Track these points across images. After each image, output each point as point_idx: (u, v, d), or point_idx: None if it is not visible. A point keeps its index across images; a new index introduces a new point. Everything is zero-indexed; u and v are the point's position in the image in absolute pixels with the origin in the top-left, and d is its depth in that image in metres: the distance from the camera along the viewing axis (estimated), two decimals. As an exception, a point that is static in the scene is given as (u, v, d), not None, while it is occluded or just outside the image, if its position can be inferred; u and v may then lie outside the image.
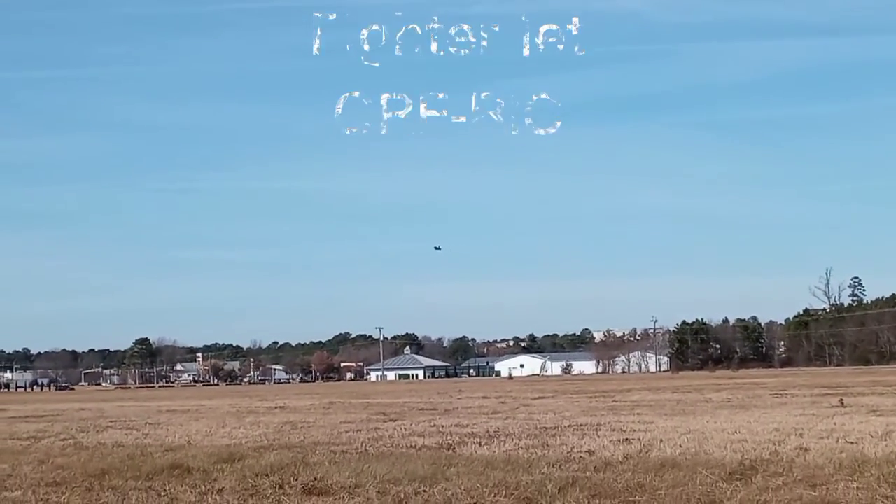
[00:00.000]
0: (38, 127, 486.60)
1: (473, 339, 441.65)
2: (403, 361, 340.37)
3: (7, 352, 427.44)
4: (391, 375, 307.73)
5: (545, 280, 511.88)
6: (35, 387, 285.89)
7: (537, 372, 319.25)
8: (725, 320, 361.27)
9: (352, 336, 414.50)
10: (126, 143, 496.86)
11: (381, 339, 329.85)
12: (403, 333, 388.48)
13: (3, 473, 31.61)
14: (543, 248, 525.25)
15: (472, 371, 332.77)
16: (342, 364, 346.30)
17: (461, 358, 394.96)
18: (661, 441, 35.08)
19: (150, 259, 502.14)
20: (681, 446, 32.89)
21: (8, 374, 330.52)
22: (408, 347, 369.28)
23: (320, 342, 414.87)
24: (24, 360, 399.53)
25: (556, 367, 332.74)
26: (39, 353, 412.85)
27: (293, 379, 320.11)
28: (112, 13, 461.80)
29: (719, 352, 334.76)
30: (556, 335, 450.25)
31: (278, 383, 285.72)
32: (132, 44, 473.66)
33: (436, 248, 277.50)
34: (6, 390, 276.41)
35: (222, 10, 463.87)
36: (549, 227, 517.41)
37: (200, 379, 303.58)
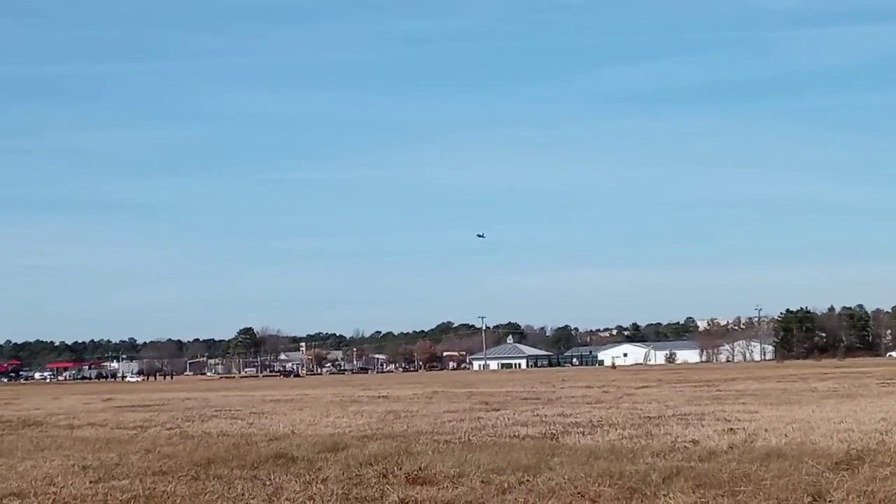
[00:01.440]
0: (139, 118, 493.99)
1: (576, 328, 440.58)
2: (506, 350, 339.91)
3: (113, 342, 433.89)
4: (493, 364, 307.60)
5: (649, 268, 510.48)
6: (141, 376, 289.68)
7: (640, 361, 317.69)
8: (831, 308, 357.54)
9: (454, 325, 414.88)
10: (226, 133, 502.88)
11: (484, 328, 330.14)
12: (506, 322, 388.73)
13: (110, 462, 31.97)
14: (647, 236, 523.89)
15: (574, 360, 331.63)
16: (445, 353, 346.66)
17: (564, 347, 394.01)
18: (766, 430, 34.74)
19: (254, 249, 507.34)
20: (786, 436, 32.54)
21: (114, 364, 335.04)
22: (510, 336, 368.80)
23: (423, 331, 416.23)
24: (130, 349, 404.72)
25: (659, 356, 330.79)
26: (145, 342, 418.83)
27: (397, 368, 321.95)
28: (208, 4, 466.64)
29: (825, 340, 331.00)
30: (659, 324, 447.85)
31: (381, 372, 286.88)
32: (229, 34, 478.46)
33: (479, 236, 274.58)
34: (113, 380, 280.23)
35: (317, 1, 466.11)
36: (652, 216, 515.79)
37: (298, 369, 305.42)
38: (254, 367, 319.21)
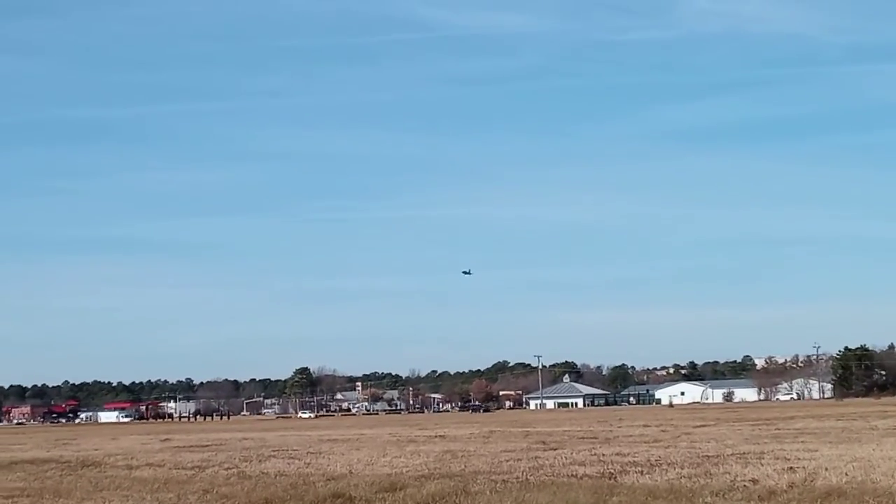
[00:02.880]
0: (195, 159, 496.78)
1: (633, 367, 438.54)
2: (562, 389, 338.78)
3: (171, 382, 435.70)
4: (550, 404, 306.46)
5: (706, 307, 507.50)
6: (198, 416, 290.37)
7: (698, 399, 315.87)
8: (891, 346, 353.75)
9: (510, 364, 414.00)
10: (283, 173, 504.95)
11: (540, 367, 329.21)
12: (562, 361, 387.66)
13: (169, 503, 32.12)
14: (704, 274, 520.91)
15: (631, 399, 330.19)
16: (501, 392, 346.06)
17: (620, 386, 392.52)
18: (827, 469, 34.47)
19: (311, 288, 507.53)
20: (846, 474, 32.28)
21: (171, 404, 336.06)
22: (567, 375, 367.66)
23: (479, 370, 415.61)
24: (186, 389, 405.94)
25: (717, 395, 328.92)
26: (202, 382, 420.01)
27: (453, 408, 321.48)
28: (265, 45, 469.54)
29: (884, 378, 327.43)
30: (716, 362, 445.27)
31: (437, 412, 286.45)
32: (288, 75, 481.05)
33: (465, 273, 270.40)
34: (170, 420, 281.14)
35: (376, 41, 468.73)
36: (708, 253, 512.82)
37: (360, 408, 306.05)
38: (310, 406, 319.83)
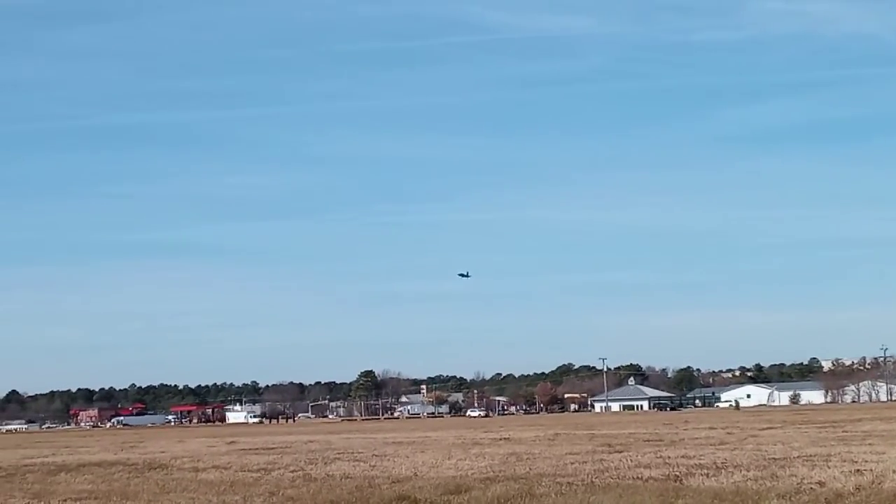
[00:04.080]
0: (260, 162, 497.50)
1: (698, 370, 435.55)
2: (627, 392, 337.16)
3: (236, 385, 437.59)
4: (615, 406, 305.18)
5: (772, 309, 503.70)
6: (264, 419, 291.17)
7: (764, 402, 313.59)
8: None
9: (575, 367, 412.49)
10: (346, 177, 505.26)
11: (605, 369, 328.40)
12: (627, 364, 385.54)
13: (235, 505, 32.30)
14: (769, 276, 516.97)
15: (697, 402, 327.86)
16: (566, 395, 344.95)
17: (686, 388, 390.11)
18: (894, 472, 34.19)
19: (376, 291, 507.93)
20: (916, 477, 32.02)
21: (237, 408, 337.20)
22: (632, 378, 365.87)
23: (543, 373, 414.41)
24: (252, 393, 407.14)
25: (783, 397, 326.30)
26: (267, 386, 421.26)
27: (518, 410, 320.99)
28: (326, 50, 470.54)
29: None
30: (782, 364, 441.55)
31: (502, 415, 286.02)
32: (349, 79, 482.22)
33: (462, 276, 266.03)
34: (236, 423, 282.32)
35: (438, 44, 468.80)
36: (773, 256, 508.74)
37: (423, 411, 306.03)
38: (375, 409, 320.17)
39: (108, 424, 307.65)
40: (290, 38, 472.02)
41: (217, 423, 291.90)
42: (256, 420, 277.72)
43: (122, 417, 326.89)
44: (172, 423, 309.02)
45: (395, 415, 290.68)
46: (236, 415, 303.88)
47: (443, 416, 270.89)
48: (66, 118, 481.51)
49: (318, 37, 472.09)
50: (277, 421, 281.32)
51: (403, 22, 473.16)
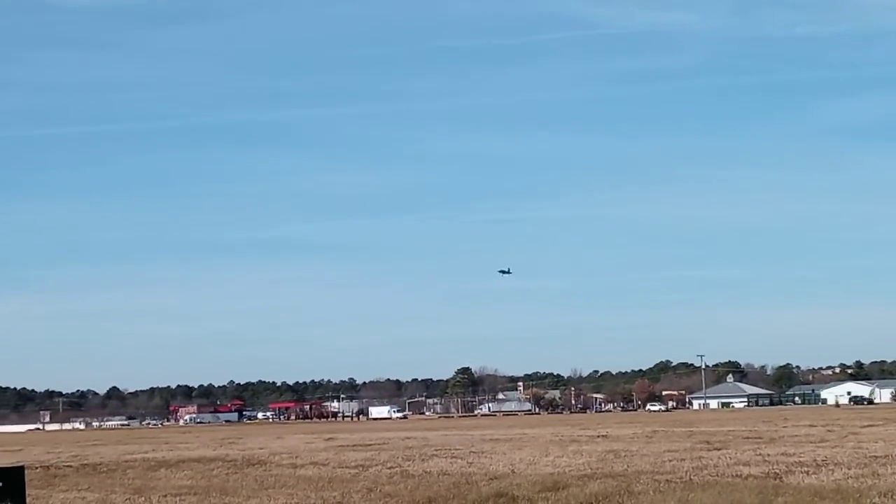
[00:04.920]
0: (360, 160, 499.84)
1: (797, 367, 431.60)
2: (726, 389, 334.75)
3: (334, 382, 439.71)
4: (713, 403, 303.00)
5: (873, 305, 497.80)
6: (361, 416, 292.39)
7: (865, 399, 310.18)
8: None
9: (673, 364, 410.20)
10: (445, 174, 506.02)
11: (703, 366, 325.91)
12: (725, 361, 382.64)
13: (333, 501, 32.39)
14: (870, 272, 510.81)
15: (796, 399, 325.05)
16: (663, 392, 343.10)
17: (785, 386, 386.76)
18: None
19: (472, 289, 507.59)
20: None
21: (335, 404, 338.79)
22: (730, 375, 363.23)
23: (641, 370, 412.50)
24: (350, 389, 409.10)
25: (884, 395, 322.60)
26: (364, 382, 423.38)
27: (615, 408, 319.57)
28: (424, 47, 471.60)
29: None
30: (884, 361, 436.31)
31: (599, 412, 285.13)
32: (448, 76, 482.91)
33: (502, 272, 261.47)
34: (333, 419, 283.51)
35: (538, 40, 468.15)
36: (874, 251, 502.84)
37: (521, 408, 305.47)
38: (471, 406, 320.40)
39: (183, 421, 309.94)
40: (391, 35, 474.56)
41: (317, 419, 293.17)
42: (400, 415, 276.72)
43: (194, 415, 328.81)
44: (271, 420, 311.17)
45: (490, 411, 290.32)
46: (378, 409, 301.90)
47: (539, 414, 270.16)
48: (168, 117, 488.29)
49: (419, 34, 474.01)
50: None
51: (503, 19, 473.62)
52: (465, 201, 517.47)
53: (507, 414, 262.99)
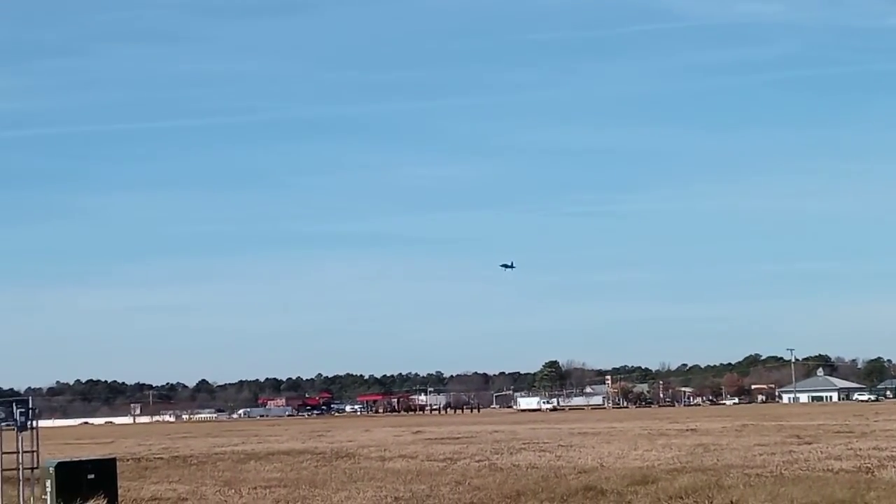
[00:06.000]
0: (450, 153, 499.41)
1: (889, 360, 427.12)
2: (816, 383, 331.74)
3: (421, 375, 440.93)
4: (803, 397, 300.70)
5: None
6: (448, 409, 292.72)
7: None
8: None
9: (762, 357, 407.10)
10: (534, 167, 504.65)
11: (793, 360, 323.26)
12: (815, 354, 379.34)
13: (422, 494, 32.47)
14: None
15: (888, 393, 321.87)
16: (753, 386, 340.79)
17: (876, 379, 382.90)
18: None
19: (559, 282, 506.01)
20: None
21: (422, 397, 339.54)
22: (820, 369, 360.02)
23: (730, 364, 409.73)
24: (437, 382, 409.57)
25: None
26: (452, 376, 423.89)
27: (704, 401, 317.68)
28: (517, 40, 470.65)
29: None
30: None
31: (687, 406, 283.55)
32: (540, 69, 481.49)
33: (504, 266, 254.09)
34: (421, 413, 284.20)
35: (628, 32, 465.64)
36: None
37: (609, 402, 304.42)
38: (558, 399, 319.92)
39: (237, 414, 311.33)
40: (481, 28, 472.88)
41: (404, 412, 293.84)
42: (549, 407, 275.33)
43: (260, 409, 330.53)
44: (358, 413, 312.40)
45: (577, 404, 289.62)
46: (527, 400, 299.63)
47: (628, 408, 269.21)
48: (258, 111, 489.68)
49: (509, 27, 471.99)
50: (462, 411, 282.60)
51: (592, 11, 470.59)
52: (555, 194, 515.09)
53: (595, 408, 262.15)
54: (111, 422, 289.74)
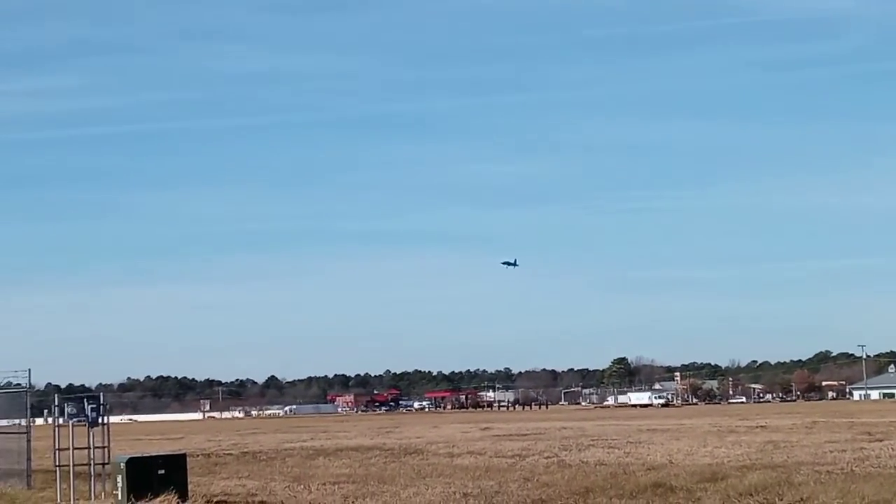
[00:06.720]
0: (507, 150, 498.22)
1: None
2: (887, 380, 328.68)
3: (490, 372, 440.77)
4: (875, 394, 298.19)
5: None
6: (516, 405, 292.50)
7: None
8: None
9: (833, 354, 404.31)
10: (598, 163, 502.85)
11: (864, 356, 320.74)
12: (887, 351, 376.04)
13: (490, 490, 32.48)
14: None
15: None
16: (823, 382, 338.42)
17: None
18: None
19: (627, 278, 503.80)
20: None
21: (490, 394, 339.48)
22: (892, 365, 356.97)
23: (800, 360, 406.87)
24: (505, 379, 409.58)
25: None
26: (520, 372, 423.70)
27: (774, 398, 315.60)
28: (575, 36, 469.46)
29: None
30: None
31: (757, 402, 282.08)
32: (597, 65, 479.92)
33: (507, 264, 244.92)
34: (489, 409, 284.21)
35: (686, 28, 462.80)
36: None
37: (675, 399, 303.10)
38: (626, 396, 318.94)
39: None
40: (537, 24, 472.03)
41: (472, 409, 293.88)
42: (661, 402, 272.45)
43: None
44: (426, 409, 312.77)
45: (646, 401, 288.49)
46: (638, 395, 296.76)
47: (697, 405, 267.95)
48: (321, 108, 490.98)
49: (566, 23, 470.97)
50: (531, 407, 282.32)
51: (651, 6, 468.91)
52: (619, 190, 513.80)
53: (664, 405, 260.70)
54: (181, 418, 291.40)
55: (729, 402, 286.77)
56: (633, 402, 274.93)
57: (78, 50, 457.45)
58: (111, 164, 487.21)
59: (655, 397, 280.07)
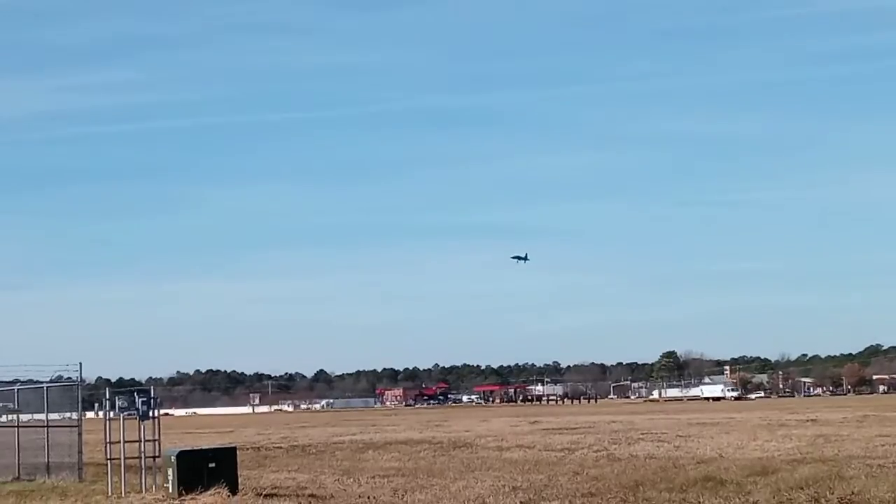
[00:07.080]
0: (571, 143, 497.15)
1: None
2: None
3: (538, 365, 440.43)
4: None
5: None
6: (565, 399, 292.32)
7: None
8: None
9: (884, 347, 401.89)
10: (653, 157, 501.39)
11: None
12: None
13: (539, 484, 32.46)
14: None
15: None
16: (874, 376, 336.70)
17: None
18: None
19: (677, 271, 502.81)
20: None
21: (539, 387, 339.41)
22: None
23: (850, 354, 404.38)
24: (554, 373, 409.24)
25: None
26: (569, 366, 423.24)
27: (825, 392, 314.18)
28: (637, 28, 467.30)
29: None
30: None
31: (807, 396, 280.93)
32: (660, 57, 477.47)
33: (517, 258, 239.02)
34: (538, 403, 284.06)
35: (753, 19, 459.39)
36: None
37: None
38: (677, 389, 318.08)
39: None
40: (597, 16, 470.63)
41: (521, 402, 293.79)
42: (734, 395, 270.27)
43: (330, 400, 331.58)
44: (475, 403, 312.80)
45: (693, 395, 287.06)
46: (711, 388, 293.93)
47: (749, 399, 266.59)
48: (386, 101, 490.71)
49: (627, 15, 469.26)
50: (580, 401, 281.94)
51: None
52: (674, 184, 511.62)
53: (716, 399, 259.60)
54: (231, 412, 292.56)
55: (778, 396, 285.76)
56: (705, 394, 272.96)
57: (133, 46, 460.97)
58: (165, 159, 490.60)
59: (729, 389, 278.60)
